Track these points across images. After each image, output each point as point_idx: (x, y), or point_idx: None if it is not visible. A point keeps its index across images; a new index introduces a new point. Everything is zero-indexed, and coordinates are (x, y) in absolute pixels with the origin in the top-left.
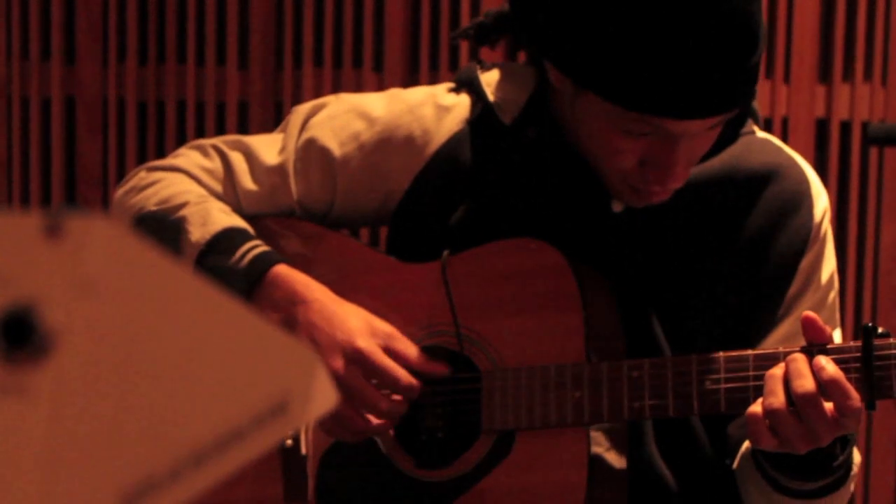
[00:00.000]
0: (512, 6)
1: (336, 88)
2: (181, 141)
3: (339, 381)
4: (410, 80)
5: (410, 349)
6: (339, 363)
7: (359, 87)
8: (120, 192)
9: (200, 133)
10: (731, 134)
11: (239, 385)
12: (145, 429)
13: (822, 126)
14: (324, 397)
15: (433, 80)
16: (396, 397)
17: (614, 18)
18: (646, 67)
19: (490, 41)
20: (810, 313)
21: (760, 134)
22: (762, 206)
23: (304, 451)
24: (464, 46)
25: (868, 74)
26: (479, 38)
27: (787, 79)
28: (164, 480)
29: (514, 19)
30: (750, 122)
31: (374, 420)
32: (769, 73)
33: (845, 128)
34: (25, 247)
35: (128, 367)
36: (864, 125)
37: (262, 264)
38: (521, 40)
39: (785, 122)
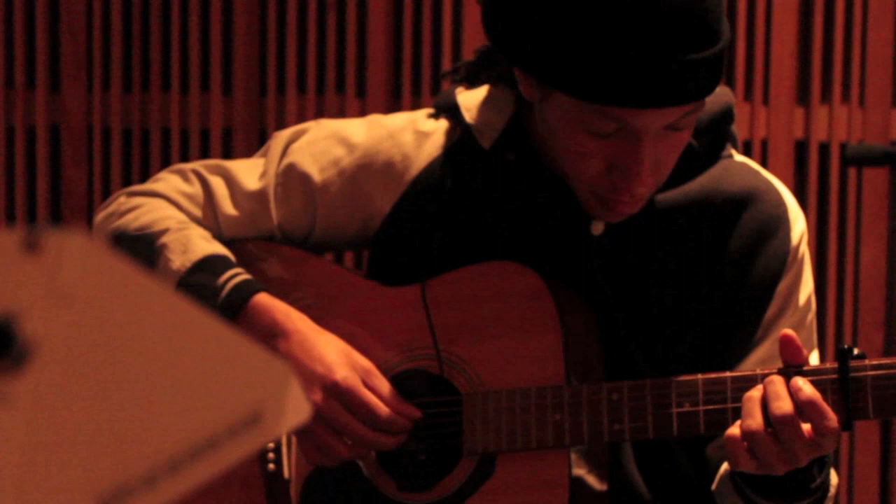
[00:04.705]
0: (483, 16)
1: (319, 114)
2: (166, 168)
3: (320, 413)
4: (393, 105)
5: (385, 387)
6: (318, 396)
7: (342, 113)
8: (100, 216)
9: (185, 160)
10: (710, 156)
11: (213, 395)
12: (121, 435)
13: (800, 147)
14: (297, 410)
15: (416, 105)
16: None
17: (569, 13)
18: (601, 58)
19: (480, 80)
20: (788, 331)
21: (738, 158)
22: (740, 230)
23: (286, 474)
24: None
25: (846, 96)
26: (471, 79)
27: (765, 101)
28: (140, 486)
29: (485, 28)
30: (728, 146)
31: (358, 449)
32: (748, 96)
33: (824, 149)
34: (5, 261)
35: (104, 376)
36: (843, 146)
37: (242, 293)
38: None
39: (764, 143)
